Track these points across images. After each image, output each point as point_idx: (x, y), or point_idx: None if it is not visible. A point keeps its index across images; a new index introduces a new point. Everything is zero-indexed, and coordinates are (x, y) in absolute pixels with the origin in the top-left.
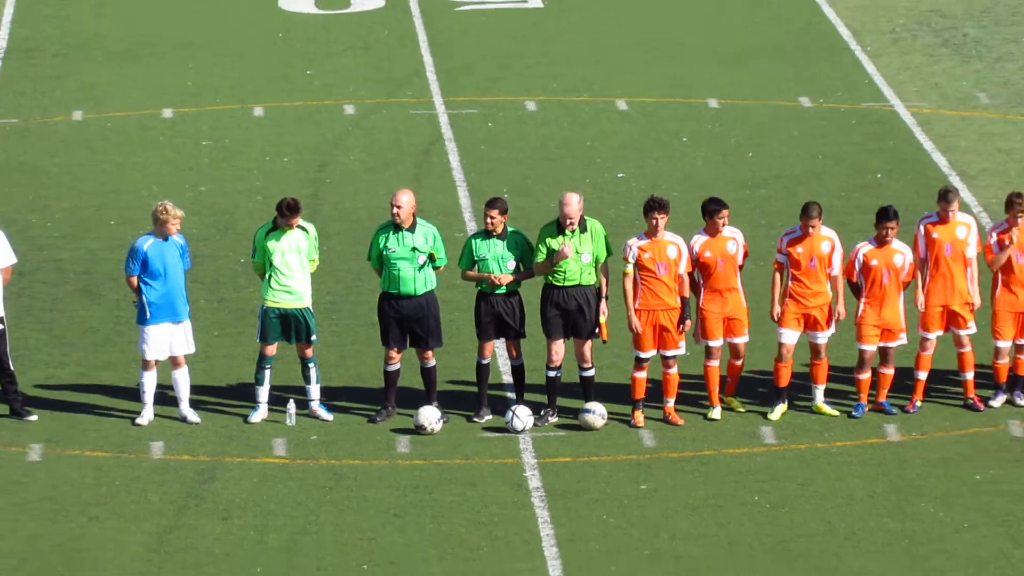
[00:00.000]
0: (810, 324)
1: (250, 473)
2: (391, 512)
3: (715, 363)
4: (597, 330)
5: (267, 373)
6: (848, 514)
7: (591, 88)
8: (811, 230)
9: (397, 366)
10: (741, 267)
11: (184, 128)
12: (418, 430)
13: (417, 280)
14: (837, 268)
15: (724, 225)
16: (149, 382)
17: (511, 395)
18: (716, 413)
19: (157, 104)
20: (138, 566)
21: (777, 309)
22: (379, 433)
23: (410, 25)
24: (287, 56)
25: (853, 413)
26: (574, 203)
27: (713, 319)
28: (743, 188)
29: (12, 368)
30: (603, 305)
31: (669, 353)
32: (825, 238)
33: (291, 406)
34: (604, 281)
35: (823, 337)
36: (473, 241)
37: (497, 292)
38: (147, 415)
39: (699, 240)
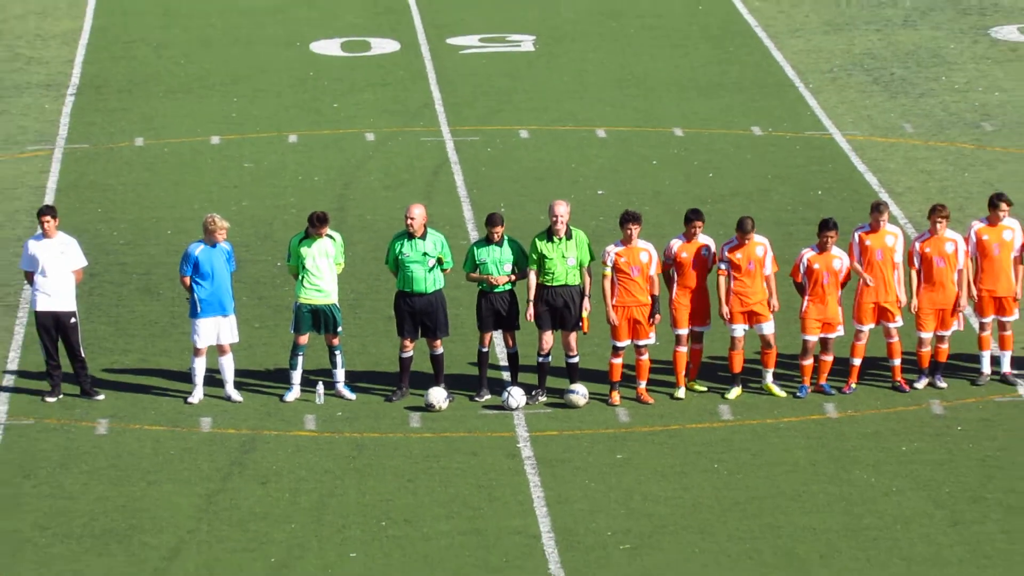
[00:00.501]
0: (754, 319)
1: (285, 444)
2: (405, 477)
3: (683, 349)
4: (580, 323)
5: (300, 359)
6: (794, 479)
7: (575, 119)
8: (747, 240)
9: (410, 353)
10: (709, 270)
11: (229, 152)
12: (428, 408)
13: (427, 280)
14: (769, 269)
15: (698, 233)
16: (199, 367)
17: (507, 378)
18: (681, 393)
19: (206, 132)
20: (189, 523)
21: (725, 309)
22: (395, 410)
23: (421, 66)
24: (317, 92)
25: (798, 394)
26: (562, 206)
27: (682, 311)
28: (704, 203)
29: (83, 355)
30: (586, 302)
31: (641, 342)
32: (759, 244)
33: (320, 387)
34: (587, 282)
35: (768, 328)
36: (475, 248)
37: (495, 291)
38: (197, 395)
39: (676, 243)
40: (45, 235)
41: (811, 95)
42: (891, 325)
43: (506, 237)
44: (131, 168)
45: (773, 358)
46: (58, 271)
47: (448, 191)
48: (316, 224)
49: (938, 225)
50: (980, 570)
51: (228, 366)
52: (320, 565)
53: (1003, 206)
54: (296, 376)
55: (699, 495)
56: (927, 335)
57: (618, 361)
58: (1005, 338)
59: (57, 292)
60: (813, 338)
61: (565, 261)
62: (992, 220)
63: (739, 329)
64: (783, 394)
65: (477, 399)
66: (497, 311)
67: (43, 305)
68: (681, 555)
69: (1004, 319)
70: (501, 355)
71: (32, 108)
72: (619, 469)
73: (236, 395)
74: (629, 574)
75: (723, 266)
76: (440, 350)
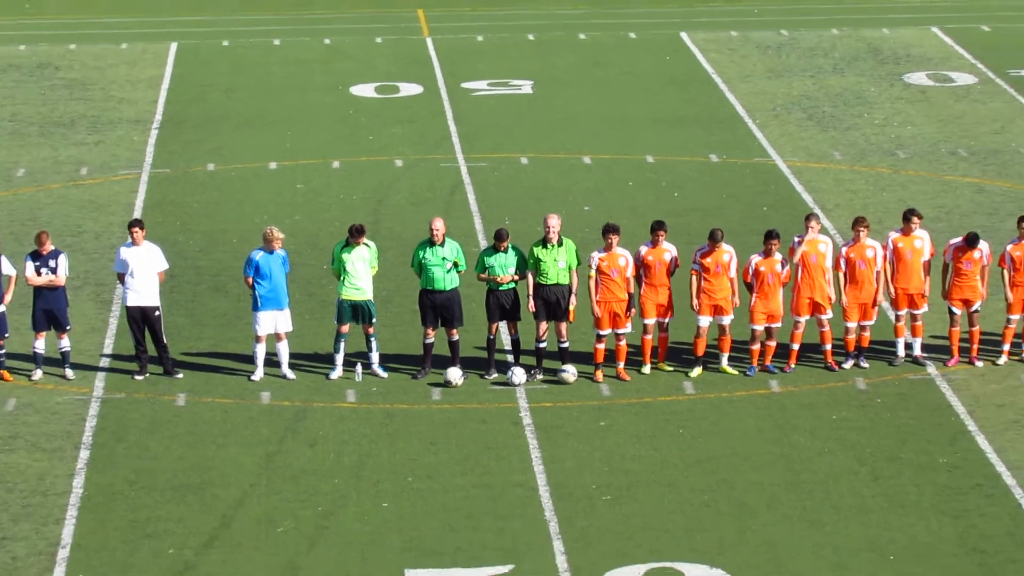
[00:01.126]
0: (718, 311)
1: (330, 414)
2: (427, 441)
3: (649, 336)
4: (568, 314)
5: (342, 345)
6: (744, 442)
7: (566, 148)
8: (717, 247)
9: (431, 340)
10: (672, 272)
11: (284, 176)
12: (446, 384)
13: (446, 280)
14: (733, 271)
15: (663, 240)
16: (260, 351)
17: (511, 360)
18: (646, 369)
19: (265, 159)
20: (251, 479)
21: (695, 302)
22: (419, 386)
23: (440, 105)
24: (355, 126)
25: (747, 373)
26: (554, 219)
27: (649, 304)
28: (670, 217)
29: (165, 341)
30: (572, 298)
31: (620, 331)
32: (726, 251)
33: (358, 367)
34: (575, 281)
35: (727, 320)
36: (484, 255)
37: (501, 289)
38: (259, 374)
39: (644, 249)
40: (134, 243)
41: (758, 129)
42: (823, 317)
43: (510, 246)
44: (204, 189)
45: (728, 344)
46: (145, 273)
47: (462, 207)
48: (355, 234)
49: (860, 234)
50: (896, 517)
51: (284, 350)
52: (358, 513)
53: (915, 219)
54: (339, 358)
55: (667, 455)
56: (852, 324)
57: (601, 346)
58: (916, 327)
59: (144, 290)
60: (760, 327)
61: (557, 264)
62: (905, 231)
63: (705, 320)
64: (736, 373)
65: (486, 377)
66: (502, 305)
67: (132, 301)
68: (652, 504)
69: (915, 312)
70: (505, 341)
71: (123, 140)
72: (602, 434)
73: (290, 374)
74: (610, 520)
75: (695, 267)
76: (456, 337)
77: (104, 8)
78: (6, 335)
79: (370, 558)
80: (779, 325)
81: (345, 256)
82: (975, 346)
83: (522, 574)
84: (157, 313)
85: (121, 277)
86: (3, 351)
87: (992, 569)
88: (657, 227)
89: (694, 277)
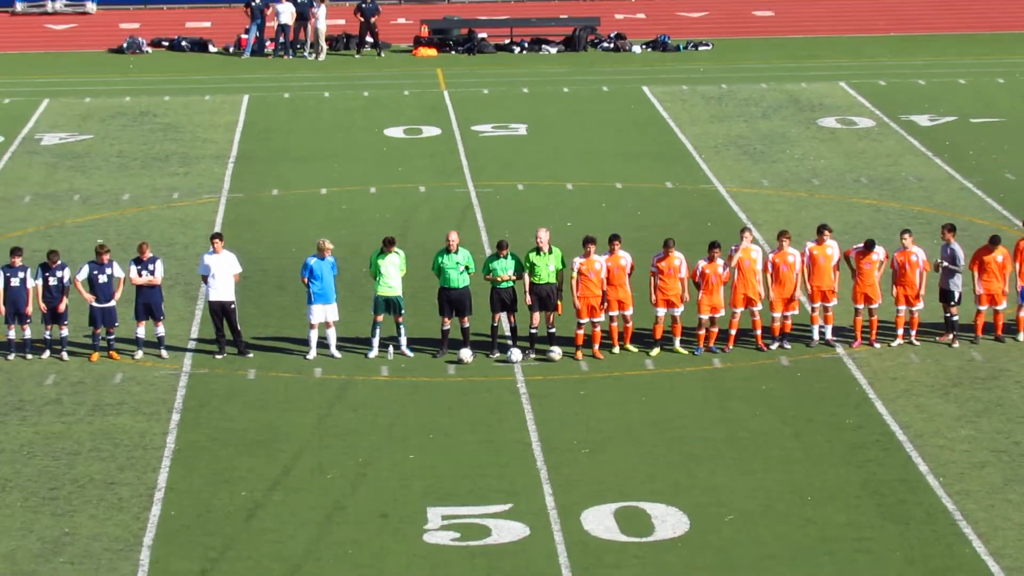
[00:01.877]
0: (670, 304)
1: (368, 385)
2: (445, 406)
3: (615, 324)
4: (556, 307)
5: (377, 331)
6: (692, 407)
7: (553, 177)
8: (669, 253)
9: (447, 327)
10: (630, 274)
11: (332, 199)
12: (459, 362)
13: (459, 280)
14: (683, 273)
15: (617, 250)
16: (313, 336)
17: (510, 343)
18: (616, 349)
19: (317, 186)
20: (307, 436)
21: (654, 297)
22: (438, 363)
23: (455, 144)
24: (387, 160)
25: (695, 352)
26: (544, 232)
27: (613, 301)
28: (635, 231)
29: (239, 328)
30: (559, 295)
31: (596, 320)
32: (677, 257)
33: (390, 349)
34: (560, 282)
35: (678, 311)
36: (489, 260)
37: (502, 287)
38: (312, 353)
39: (603, 258)
40: (215, 251)
41: (703, 162)
42: (754, 309)
43: (509, 253)
44: (269, 209)
45: (679, 330)
46: (223, 275)
47: (472, 223)
48: (387, 244)
49: (784, 244)
50: (813, 466)
51: (332, 335)
52: (391, 463)
53: (826, 232)
54: (375, 342)
55: (632, 418)
56: (777, 315)
57: (581, 332)
58: (828, 317)
59: (222, 288)
60: (705, 317)
61: (547, 267)
62: (819, 241)
63: (662, 311)
64: (686, 352)
65: (490, 356)
66: (503, 300)
67: (213, 297)
68: (620, 456)
69: (827, 304)
70: (506, 328)
71: (206, 171)
72: (581, 401)
73: (337, 354)
74: (588, 468)
75: (653, 269)
76: (467, 325)
77: (192, 68)
78: (116, 324)
79: (400, 499)
80: (721, 315)
81: (380, 261)
82: (874, 332)
83: (519, 511)
84: (232, 306)
85: (204, 278)
86: (113, 336)
87: (888, 508)
88: (613, 239)
89: (652, 278)
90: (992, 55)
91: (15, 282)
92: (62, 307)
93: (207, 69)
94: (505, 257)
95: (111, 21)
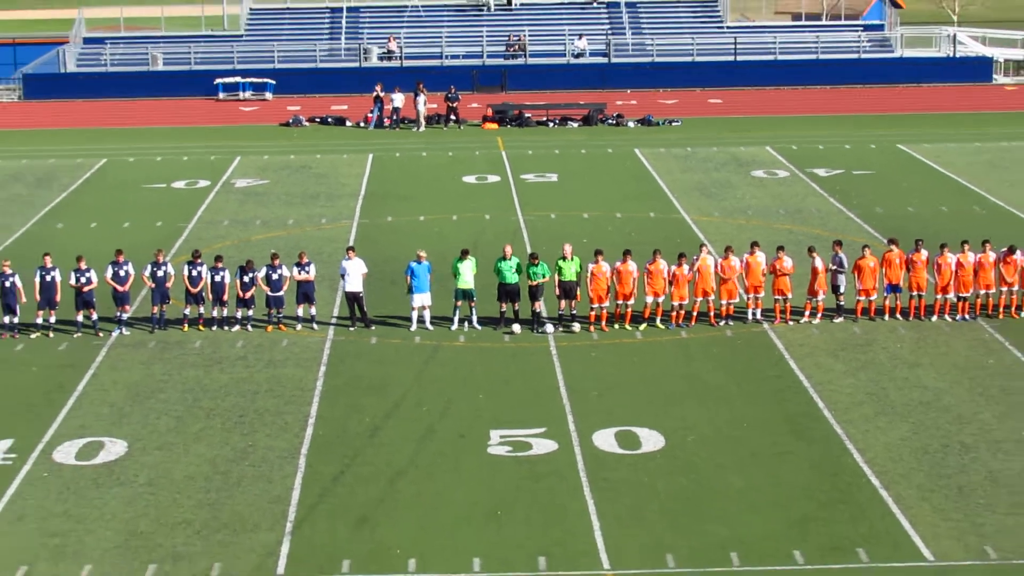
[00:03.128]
0: (655, 295)
1: (450, 349)
2: (501, 364)
3: (619, 309)
4: (576, 297)
5: (456, 313)
6: (667, 365)
7: (575, 209)
8: (655, 259)
9: (504, 310)
10: (636, 279)
11: (428, 224)
12: (511, 333)
13: (511, 278)
14: (665, 273)
15: (629, 260)
16: (414, 315)
17: (545, 321)
18: (617, 326)
19: (417, 215)
20: (410, 382)
21: (648, 288)
22: (497, 335)
23: (509, 187)
24: (465, 198)
25: (669, 328)
26: (568, 246)
27: (620, 294)
28: (630, 246)
29: (365, 310)
30: (578, 288)
31: (603, 305)
32: (661, 262)
33: (466, 326)
34: (579, 280)
35: (660, 299)
36: (529, 266)
37: (537, 284)
38: (413, 327)
39: (617, 263)
40: (349, 258)
41: (675, 200)
42: (709, 299)
43: (540, 261)
44: (388, 232)
45: (660, 312)
46: (355, 274)
47: (520, 240)
48: (464, 254)
49: (729, 255)
50: (748, 401)
51: (427, 315)
52: (469, 402)
53: (756, 247)
54: (455, 319)
55: (626, 376)
56: (724, 302)
57: (592, 313)
58: (758, 302)
59: (354, 283)
60: (676, 303)
61: (570, 269)
62: (752, 253)
63: (649, 299)
64: (664, 327)
65: (534, 331)
66: (534, 293)
67: (348, 288)
68: (618, 398)
69: (757, 296)
70: (541, 312)
71: (344, 205)
72: (593, 360)
73: (430, 327)
74: (597, 405)
75: (643, 271)
76: (517, 308)
77: (334, 136)
78: (283, 306)
79: (474, 424)
80: (686, 302)
81: (459, 265)
82: (788, 314)
83: (550, 432)
84: (361, 295)
85: (342, 276)
86: (281, 314)
87: (797, 431)
88: (597, 252)
89: (643, 276)
90: (867, 129)
91: (217, 278)
92: (249, 295)
93: (344, 137)
94: (537, 264)
95: (281, 105)
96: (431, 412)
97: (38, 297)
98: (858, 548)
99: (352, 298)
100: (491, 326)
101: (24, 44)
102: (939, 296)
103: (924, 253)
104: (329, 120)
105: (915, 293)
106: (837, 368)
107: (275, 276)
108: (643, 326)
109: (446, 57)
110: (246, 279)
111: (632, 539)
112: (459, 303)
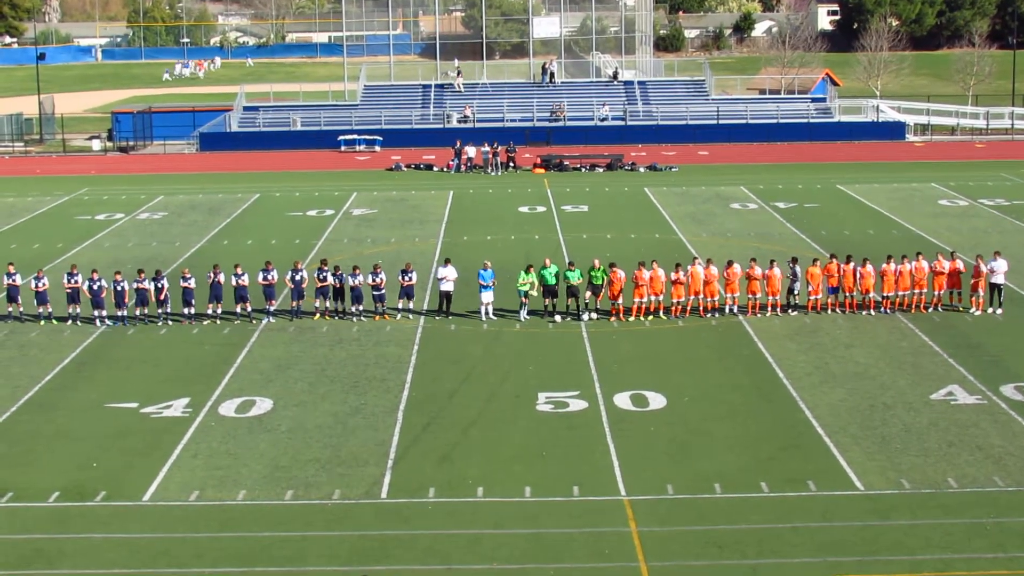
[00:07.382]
0: (660, 293)
1: (507, 335)
2: (548, 345)
3: (635, 304)
4: (599, 295)
5: (524, 309)
6: (667, 346)
7: (601, 231)
8: (654, 266)
9: (547, 304)
10: (651, 282)
11: (495, 242)
12: (552, 322)
13: (552, 281)
14: (663, 278)
15: (657, 267)
16: (483, 309)
17: (581, 312)
18: (631, 317)
19: (485, 235)
20: (479, 357)
21: (643, 291)
22: (543, 323)
23: (552, 216)
24: (520, 223)
25: (669, 319)
26: (597, 260)
27: (640, 293)
28: (643, 259)
29: (451, 306)
30: (602, 288)
31: (620, 301)
32: (660, 269)
33: (522, 314)
34: (604, 283)
35: (660, 298)
36: (567, 272)
37: (573, 284)
38: (482, 317)
39: (634, 271)
40: (446, 266)
41: (674, 225)
42: (699, 297)
43: (576, 268)
44: (463, 247)
45: (661, 308)
46: (451, 278)
47: (559, 254)
48: (528, 268)
49: (710, 264)
50: (726, 372)
51: (491, 309)
52: (520, 370)
53: (734, 263)
54: (522, 313)
55: (640, 350)
56: (709, 300)
57: (613, 307)
58: (735, 300)
59: (449, 285)
60: (674, 301)
61: (599, 276)
62: (729, 264)
63: (654, 299)
64: (665, 318)
65: (571, 319)
66: (574, 293)
67: (444, 288)
68: (632, 369)
69: (735, 295)
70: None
71: (432, 227)
72: (615, 341)
73: (493, 318)
74: (619, 374)
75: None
76: (554, 303)
77: (425, 177)
78: (384, 301)
79: (527, 388)
80: (683, 299)
81: (521, 274)
82: (757, 309)
83: (583, 395)
84: (450, 294)
85: (439, 280)
86: (384, 308)
87: (762, 394)
88: (640, 264)
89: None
90: (814, 174)
91: (333, 280)
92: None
93: (432, 178)
94: (572, 271)
95: (387, 155)
96: (494, 379)
97: (211, 294)
98: (808, 480)
99: (445, 296)
100: (538, 315)
101: (200, 111)
102: (863, 295)
103: (852, 264)
104: (421, 166)
105: (849, 294)
106: (792, 348)
107: (375, 280)
108: (651, 318)
109: (507, 120)
110: (353, 282)
111: (642, 473)
112: (526, 300)
